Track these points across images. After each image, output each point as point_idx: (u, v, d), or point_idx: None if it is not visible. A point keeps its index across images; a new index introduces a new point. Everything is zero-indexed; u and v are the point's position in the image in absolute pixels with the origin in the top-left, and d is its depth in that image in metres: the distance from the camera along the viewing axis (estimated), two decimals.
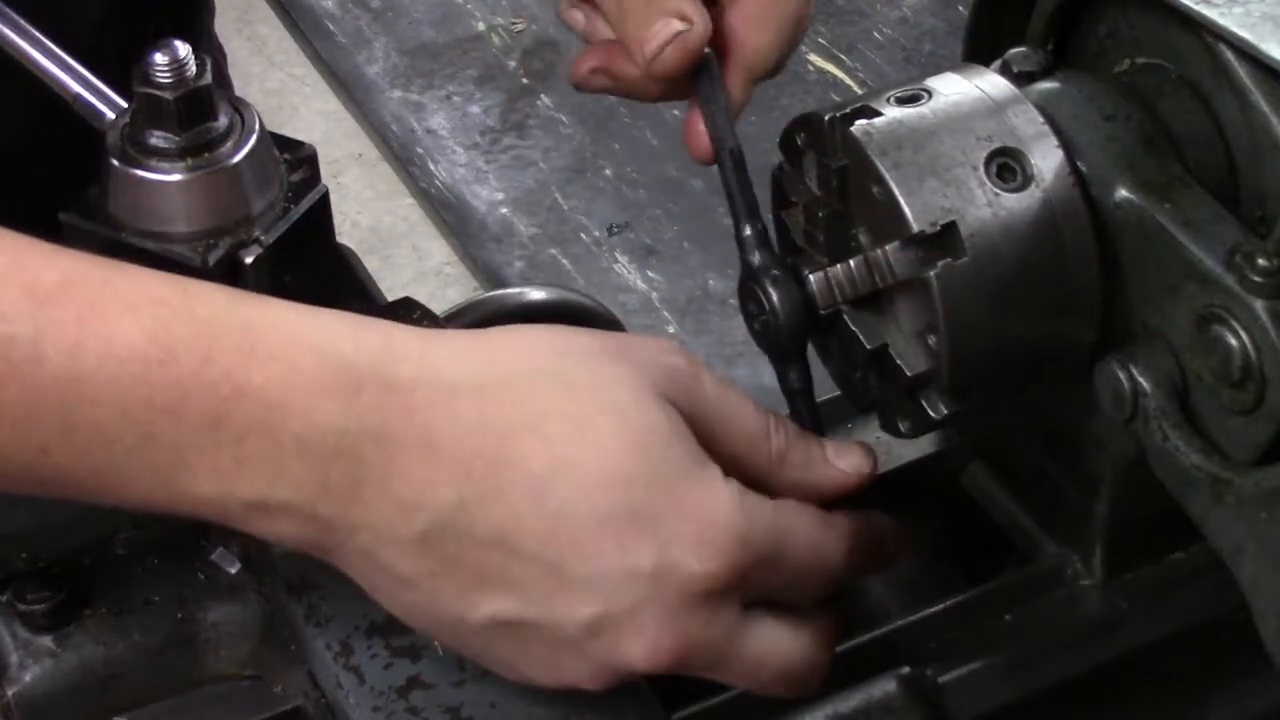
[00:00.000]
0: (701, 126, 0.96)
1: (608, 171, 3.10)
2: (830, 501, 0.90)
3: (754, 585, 0.85)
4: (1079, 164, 0.89)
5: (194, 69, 0.91)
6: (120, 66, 0.95)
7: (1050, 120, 0.89)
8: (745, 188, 0.93)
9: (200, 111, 0.92)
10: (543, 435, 0.82)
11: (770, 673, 0.87)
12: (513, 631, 0.84)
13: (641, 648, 0.83)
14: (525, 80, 3.29)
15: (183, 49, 0.91)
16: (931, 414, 0.90)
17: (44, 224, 0.88)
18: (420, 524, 0.82)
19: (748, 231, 0.92)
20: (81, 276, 0.82)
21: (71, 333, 0.80)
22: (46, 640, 0.92)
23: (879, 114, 0.89)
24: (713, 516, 0.83)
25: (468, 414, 0.82)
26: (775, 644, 0.87)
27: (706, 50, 0.90)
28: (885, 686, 0.94)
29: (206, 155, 0.92)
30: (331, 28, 3.45)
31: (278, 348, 0.81)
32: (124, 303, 0.81)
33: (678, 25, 0.95)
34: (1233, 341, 0.84)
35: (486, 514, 0.82)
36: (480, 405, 0.82)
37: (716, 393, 0.87)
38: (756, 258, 0.91)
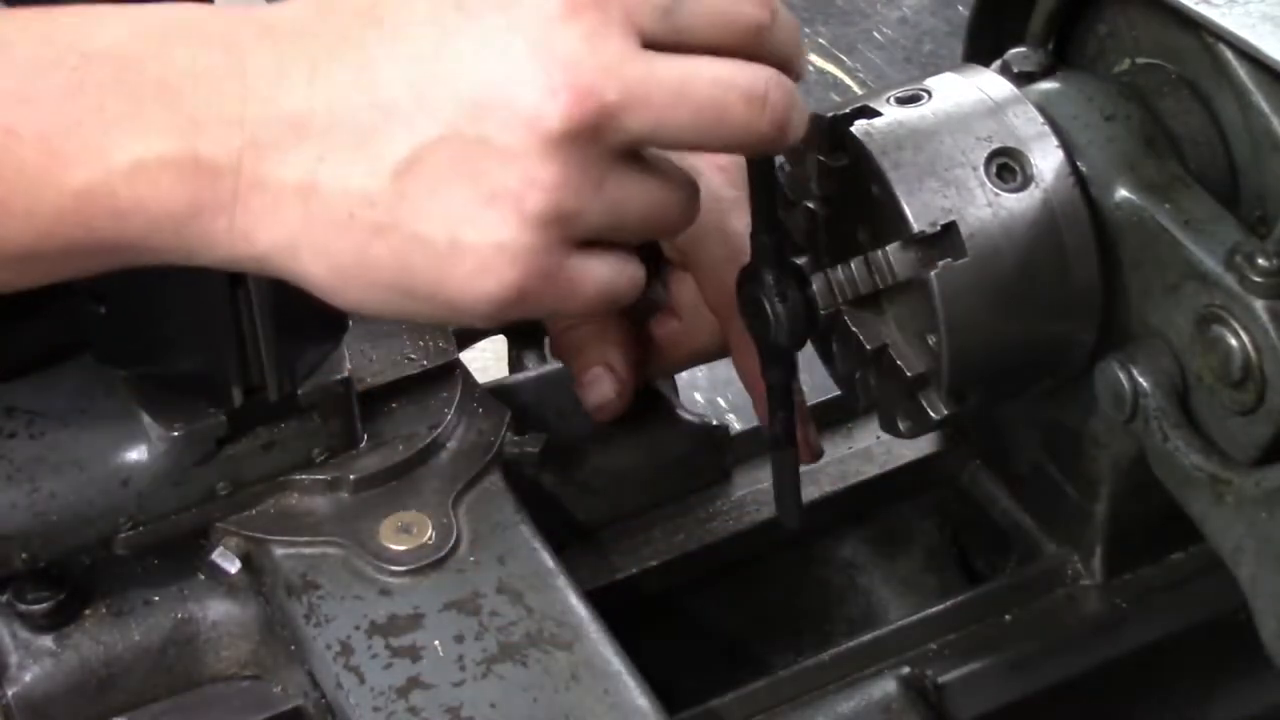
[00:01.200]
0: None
1: None
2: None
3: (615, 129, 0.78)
4: (1079, 164, 0.89)
5: None
6: None
7: (1050, 120, 0.89)
8: (769, 194, 0.91)
9: None
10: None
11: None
12: (420, 172, 0.78)
13: (535, 92, 0.77)
14: None
15: None
16: (931, 414, 0.90)
17: None
18: (286, 107, 0.79)
19: (765, 239, 0.91)
20: None
21: None
22: (46, 640, 0.92)
23: (879, 114, 0.89)
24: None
25: (299, 10, 0.81)
26: (615, 261, 0.83)
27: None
28: (885, 686, 0.95)
29: None
30: None
31: (114, 13, 0.81)
32: None
33: (609, 389, 1.04)
34: (1233, 341, 0.84)
35: (342, 65, 0.79)
36: (311, 6, 0.81)
37: None
38: (767, 271, 0.91)
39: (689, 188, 0.83)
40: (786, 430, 0.94)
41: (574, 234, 0.79)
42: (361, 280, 0.81)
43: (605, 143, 0.78)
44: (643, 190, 0.81)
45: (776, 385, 0.94)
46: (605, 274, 0.81)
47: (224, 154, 0.79)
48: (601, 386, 1.04)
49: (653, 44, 0.79)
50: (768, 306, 0.90)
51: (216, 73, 0.79)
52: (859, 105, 0.90)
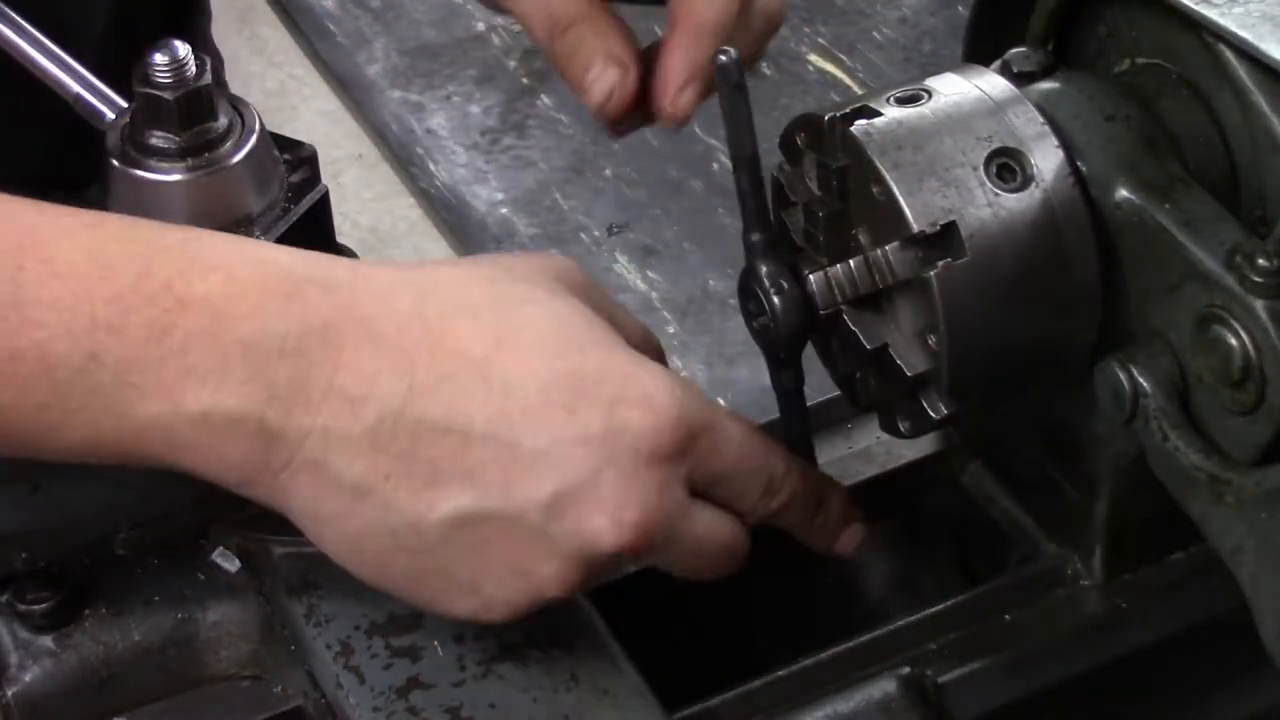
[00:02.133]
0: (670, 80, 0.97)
1: (608, 171, 3.10)
2: None
3: (697, 460, 0.86)
4: (1079, 164, 0.89)
5: (194, 69, 0.92)
6: (120, 67, 0.95)
7: (1050, 120, 0.89)
8: (758, 193, 0.92)
9: (200, 111, 0.92)
10: (479, 320, 0.84)
11: (713, 549, 0.89)
12: (473, 530, 0.83)
13: (605, 519, 0.83)
14: (525, 80, 3.29)
15: (182, 49, 0.91)
16: (931, 414, 0.90)
17: None
18: (370, 418, 0.82)
19: (755, 237, 0.92)
20: (18, 210, 0.82)
21: (11, 261, 0.80)
22: (46, 640, 0.92)
23: (879, 114, 0.89)
24: (651, 378, 0.85)
25: (405, 306, 0.84)
26: (718, 524, 0.89)
27: (725, 56, 0.90)
28: (885, 686, 0.94)
29: (206, 155, 0.92)
30: (331, 28, 3.45)
31: (216, 258, 0.82)
32: (62, 228, 0.82)
33: (613, 76, 0.99)
34: (1233, 341, 0.84)
35: (435, 399, 0.82)
36: (417, 298, 0.84)
37: (602, 293, 0.92)
38: (761, 264, 0.91)
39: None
40: (805, 445, 0.96)
41: None
42: (374, 571, 0.86)
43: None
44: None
45: (787, 393, 0.94)
46: None
47: (294, 430, 0.82)
48: (607, 77, 1.00)
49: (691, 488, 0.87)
50: (766, 304, 0.90)
51: (307, 357, 0.81)
52: (859, 105, 0.90)
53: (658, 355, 0.93)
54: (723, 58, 0.90)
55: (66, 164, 1.00)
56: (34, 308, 0.80)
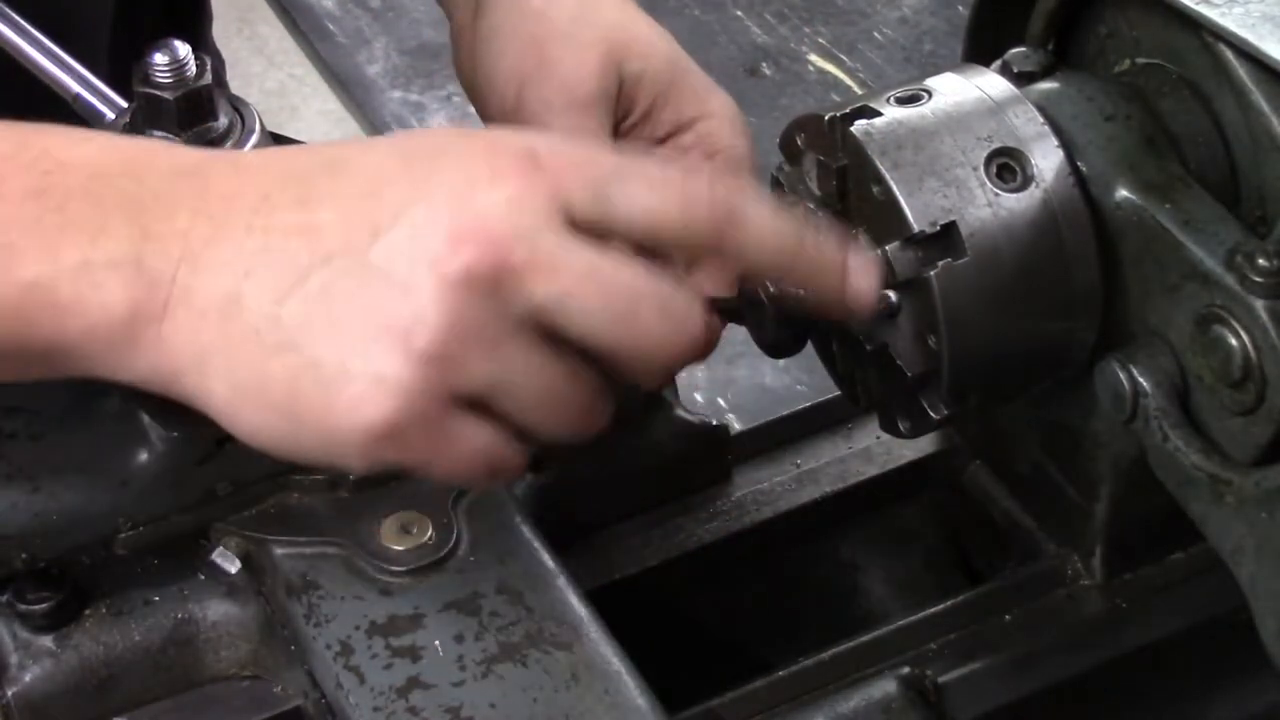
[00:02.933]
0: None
1: None
2: None
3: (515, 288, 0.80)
4: (1079, 164, 0.89)
5: (194, 69, 0.92)
6: (120, 67, 0.95)
7: (1050, 120, 0.89)
8: None
9: (200, 111, 0.92)
10: (341, 145, 0.85)
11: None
12: (326, 297, 0.80)
13: (440, 239, 0.79)
14: None
15: (182, 49, 0.91)
16: (931, 414, 0.90)
17: None
18: (232, 228, 0.81)
19: None
20: None
21: None
22: (46, 640, 0.92)
23: (879, 114, 0.89)
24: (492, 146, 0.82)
25: (275, 153, 0.86)
26: (495, 433, 0.83)
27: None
28: (885, 686, 0.95)
29: None
30: (331, 28, 3.45)
31: (94, 133, 0.85)
32: None
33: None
34: (1233, 341, 0.84)
35: (288, 197, 0.82)
36: (292, 151, 0.87)
37: None
38: None
39: (599, 397, 0.83)
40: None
41: (458, 385, 0.80)
42: (256, 402, 0.82)
43: (506, 303, 0.79)
44: (542, 370, 0.81)
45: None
46: (482, 441, 0.82)
47: (165, 264, 0.81)
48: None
49: (582, 228, 0.80)
50: (767, 305, 0.90)
51: (179, 193, 0.82)
52: (859, 105, 0.90)
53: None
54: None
55: None
56: None
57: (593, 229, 0.81)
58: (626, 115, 1.08)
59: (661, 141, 1.08)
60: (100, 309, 0.81)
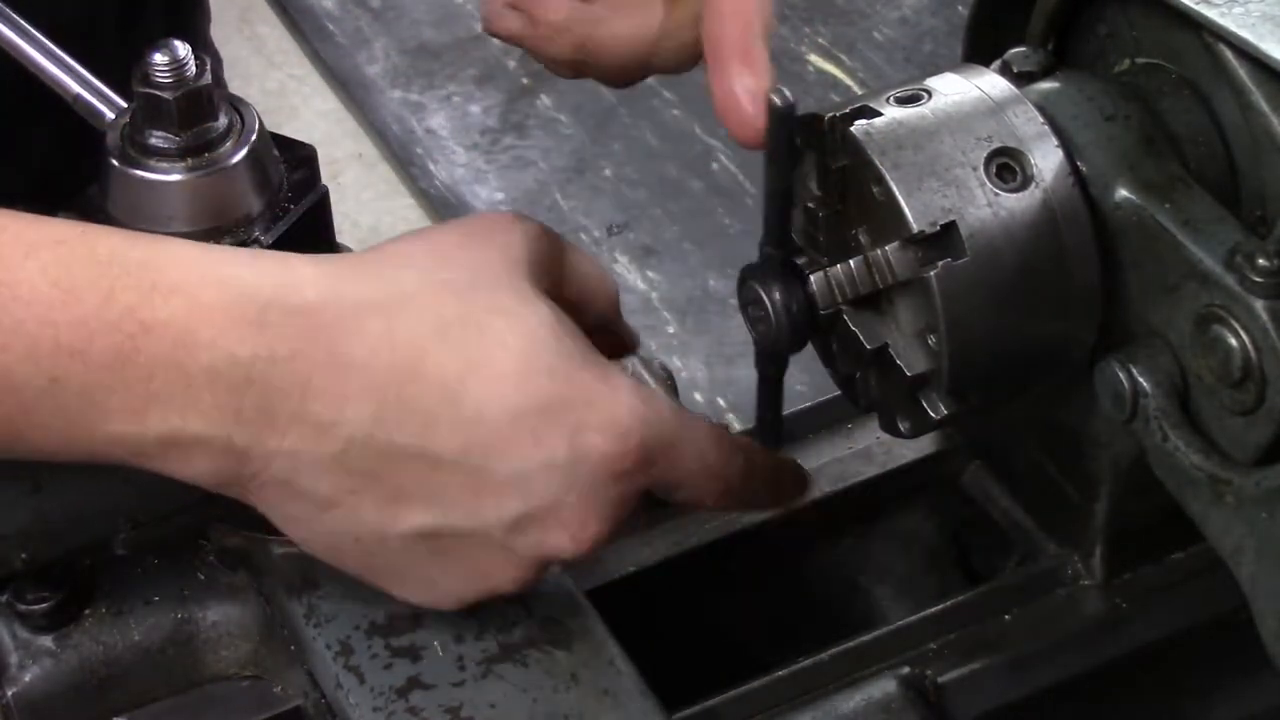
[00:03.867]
0: (742, 103, 0.92)
1: (607, 172, 3.10)
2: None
3: (657, 474, 0.87)
4: (1079, 164, 0.89)
5: (194, 69, 0.91)
6: (120, 67, 0.95)
7: (1050, 120, 0.89)
8: (782, 222, 0.92)
9: (200, 111, 0.92)
10: (448, 341, 0.84)
11: None
12: (435, 542, 0.85)
13: (566, 536, 0.86)
14: (525, 80, 3.29)
15: (182, 49, 0.91)
16: (931, 414, 0.90)
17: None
18: (337, 442, 0.82)
19: (770, 250, 0.92)
20: None
21: None
22: (46, 640, 0.92)
23: (879, 114, 0.89)
24: (615, 400, 0.85)
25: (375, 330, 0.83)
26: None
27: (780, 99, 0.89)
28: (885, 686, 0.94)
29: (206, 155, 0.92)
30: (331, 28, 3.45)
31: (179, 281, 0.82)
32: (25, 245, 0.81)
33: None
34: (1233, 341, 0.84)
35: (403, 425, 0.83)
36: (386, 321, 0.84)
37: (558, 245, 0.92)
38: (767, 271, 0.91)
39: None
40: (775, 427, 0.97)
41: None
42: (329, 558, 0.88)
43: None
44: None
45: (769, 380, 0.95)
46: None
47: (260, 451, 0.82)
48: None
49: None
50: (768, 306, 0.90)
51: (274, 384, 0.81)
52: (859, 105, 0.90)
53: (613, 303, 0.96)
54: (777, 100, 0.90)
55: (66, 164, 1.00)
56: None
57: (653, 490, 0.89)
58: None
59: None
60: (186, 469, 0.83)
